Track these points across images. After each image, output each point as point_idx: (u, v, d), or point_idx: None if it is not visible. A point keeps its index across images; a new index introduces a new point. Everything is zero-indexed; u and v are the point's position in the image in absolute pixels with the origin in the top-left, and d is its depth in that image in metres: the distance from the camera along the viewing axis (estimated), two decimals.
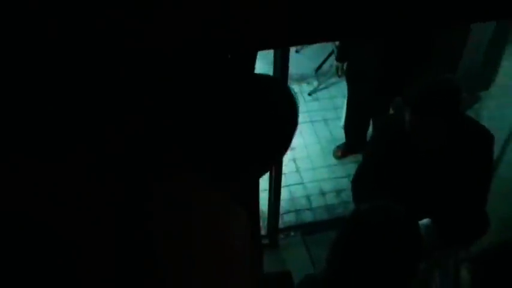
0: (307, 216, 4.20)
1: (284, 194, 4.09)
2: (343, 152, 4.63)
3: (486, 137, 2.54)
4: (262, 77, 1.50)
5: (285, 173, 4.19)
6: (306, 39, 1.41)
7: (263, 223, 3.75)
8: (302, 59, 5.45)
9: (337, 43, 5.03)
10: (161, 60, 1.25)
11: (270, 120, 1.41)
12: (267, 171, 1.64)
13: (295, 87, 5.13)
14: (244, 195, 1.93)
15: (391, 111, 3.78)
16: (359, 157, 4.60)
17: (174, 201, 1.33)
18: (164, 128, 1.35)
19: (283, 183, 3.70)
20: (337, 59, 4.14)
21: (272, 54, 2.68)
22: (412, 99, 2.38)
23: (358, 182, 2.88)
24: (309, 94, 5.21)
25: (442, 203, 2.53)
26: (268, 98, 1.41)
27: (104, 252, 1.28)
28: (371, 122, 4.29)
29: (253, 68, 1.63)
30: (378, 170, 2.68)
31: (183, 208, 1.34)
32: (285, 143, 1.51)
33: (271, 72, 2.70)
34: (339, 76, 4.21)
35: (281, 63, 2.60)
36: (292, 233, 4.05)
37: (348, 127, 4.51)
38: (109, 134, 1.27)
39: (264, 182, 3.40)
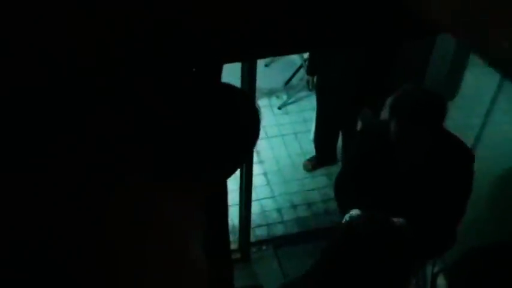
0: (279, 230, 4.20)
1: (255, 207, 4.09)
2: (313, 164, 4.66)
3: (467, 156, 2.55)
4: (221, 84, 1.51)
5: (255, 187, 4.19)
6: (271, 51, 1.42)
7: (234, 237, 3.74)
8: (271, 73, 5.48)
9: (305, 57, 5.09)
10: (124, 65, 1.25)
11: (228, 125, 1.41)
12: (226, 177, 1.64)
13: (264, 101, 5.20)
14: (212, 210, 1.94)
15: (359, 123, 3.82)
16: (329, 169, 4.65)
17: (131, 211, 1.32)
18: (122, 133, 1.34)
19: (254, 197, 3.70)
20: (307, 73, 4.20)
21: (240, 68, 2.69)
22: (400, 109, 2.40)
23: (339, 188, 2.88)
24: (279, 108, 5.24)
25: (418, 213, 2.54)
26: (226, 104, 1.41)
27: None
28: (340, 135, 4.34)
29: (220, 80, 1.63)
30: (358, 177, 2.70)
31: (140, 217, 1.33)
32: (245, 149, 1.51)
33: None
34: (310, 90, 4.26)
35: (248, 77, 2.61)
36: (264, 247, 4.05)
37: (317, 140, 4.55)
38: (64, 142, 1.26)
39: (234, 196, 3.40)
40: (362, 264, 1.97)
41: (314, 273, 2.23)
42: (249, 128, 1.46)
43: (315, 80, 4.09)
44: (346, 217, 2.56)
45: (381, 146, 2.58)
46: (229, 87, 1.47)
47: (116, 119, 1.32)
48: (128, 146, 1.35)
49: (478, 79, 3.89)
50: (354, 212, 2.55)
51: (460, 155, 2.55)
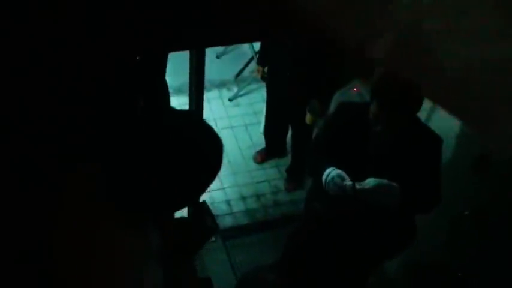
0: (228, 221, 4.21)
1: (204, 199, 4.07)
2: (263, 156, 4.68)
3: (436, 139, 2.66)
4: (184, 114, 1.47)
5: None
6: (217, 41, 1.41)
7: None
8: (222, 65, 5.47)
9: (257, 49, 5.10)
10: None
11: (192, 160, 1.38)
12: (183, 208, 1.61)
13: (215, 93, 5.17)
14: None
15: (308, 114, 3.84)
16: (279, 162, 4.67)
17: (77, 233, 1.30)
18: (76, 151, 1.32)
19: None
20: (258, 63, 4.21)
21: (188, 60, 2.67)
22: (381, 94, 2.47)
23: (313, 154, 2.94)
24: (229, 100, 5.23)
25: None
26: (186, 140, 1.38)
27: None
28: (290, 127, 4.36)
29: (164, 72, 1.61)
30: (331, 146, 2.78)
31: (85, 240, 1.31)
32: (205, 182, 1.48)
33: (187, 78, 2.68)
34: (263, 80, 4.27)
35: (196, 68, 2.59)
36: (212, 238, 4.03)
37: (267, 132, 4.56)
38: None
39: None
40: (325, 250, 2.02)
41: (280, 262, 2.30)
42: (212, 157, 1.42)
43: (265, 70, 4.11)
44: (326, 173, 2.65)
45: (356, 122, 2.66)
46: (187, 117, 1.43)
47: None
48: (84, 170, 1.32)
49: None
50: (330, 169, 2.65)
51: (430, 138, 2.66)
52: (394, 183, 2.56)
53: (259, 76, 4.25)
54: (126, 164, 1.32)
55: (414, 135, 2.62)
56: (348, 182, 2.59)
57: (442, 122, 3.57)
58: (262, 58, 4.19)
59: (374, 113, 2.50)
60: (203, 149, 1.40)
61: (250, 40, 3.87)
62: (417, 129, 2.64)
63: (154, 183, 1.33)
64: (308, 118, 3.87)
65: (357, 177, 2.61)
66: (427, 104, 3.77)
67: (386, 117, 2.49)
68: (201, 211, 1.94)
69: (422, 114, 3.66)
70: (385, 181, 2.57)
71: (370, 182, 2.55)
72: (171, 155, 1.33)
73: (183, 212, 2.30)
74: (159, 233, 1.59)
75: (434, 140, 2.66)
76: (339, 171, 2.64)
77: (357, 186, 2.56)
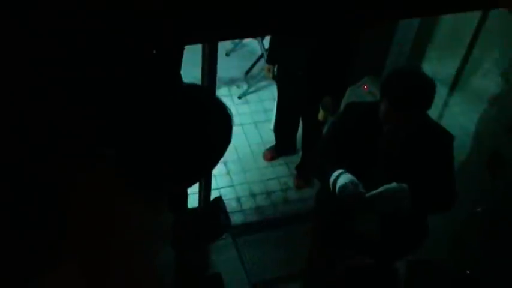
0: (238, 218, 4.20)
1: (215, 196, 4.07)
2: (272, 154, 4.67)
3: (447, 136, 2.62)
4: (196, 88, 1.46)
5: (215, 176, 4.18)
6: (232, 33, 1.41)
7: None
8: (232, 63, 5.46)
9: (266, 46, 5.09)
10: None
11: (201, 135, 1.38)
12: (195, 183, 1.61)
13: (224, 91, 5.18)
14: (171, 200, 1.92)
15: (321, 111, 3.83)
16: (289, 159, 4.67)
17: (91, 208, 1.31)
18: (87, 133, 1.32)
19: (213, 185, 3.69)
20: (268, 62, 4.19)
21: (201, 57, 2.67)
22: (391, 92, 2.40)
23: (318, 156, 2.90)
24: (239, 97, 5.23)
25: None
26: (200, 111, 1.37)
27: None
28: (301, 125, 4.35)
29: (180, 66, 1.61)
30: (339, 148, 2.72)
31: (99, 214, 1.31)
32: (215, 157, 1.47)
33: (199, 75, 2.68)
34: (272, 79, 4.25)
35: (209, 66, 2.58)
36: (223, 235, 4.03)
37: (277, 129, 4.56)
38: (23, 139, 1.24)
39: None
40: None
41: None
42: (221, 133, 1.42)
43: (275, 69, 4.09)
44: (333, 175, 2.57)
45: (366, 121, 2.61)
46: (199, 90, 1.43)
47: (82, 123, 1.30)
48: (92, 152, 1.33)
49: (435, 71, 3.96)
50: (338, 171, 2.57)
51: (442, 135, 2.62)
52: (404, 185, 2.51)
53: (269, 75, 4.21)
54: (139, 135, 1.32)
55: (425, 132, 2.58)
56: (362, 190, 2.51)
57: (454, 119, 3.56)
58: (271, 56, 4.15)
59: (384, 111, 2.46)
60: (213, 122, 1.40)
61: (265, 34, 3.83)
62: (428, 126, 2.60)
63: (165, 153, 1.33)
64: (321, 114, 3.86)
65: (367, 178, 2.57)
66: (438, 101, 3.78)
67: (396, 115, 2.44)
68: (216, 207, 1.94)
69: (434, 112, 3.67)
70: (392, 185, 2.51)
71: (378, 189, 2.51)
72: (182, 126, 1.34)
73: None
74: (172, 215, 1.60)
75: (445, 137, 2.62)
76: (350, 176, 2.54)
77: (366, 194, 2.50)
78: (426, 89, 2.40)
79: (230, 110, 1.42)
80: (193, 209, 1.97)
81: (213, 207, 1.95)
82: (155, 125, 1.32)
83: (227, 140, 1.44)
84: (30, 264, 1.32)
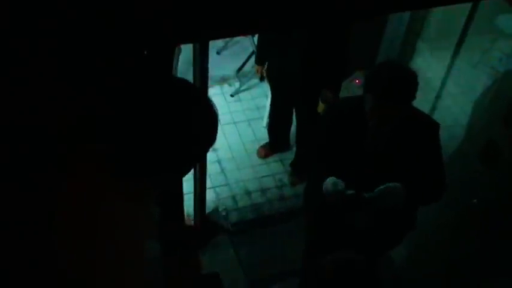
0: (234, 216, 4.20)
1: (210, 195, 4.07)
2: (266, 151, 4.67)
3: (432, 124, 2.64)
4: (181, 80, 1.48)
5: (210, 175, 4.17)
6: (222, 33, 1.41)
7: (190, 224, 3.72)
8: (223, 61, 5.45)
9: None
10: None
11: (186, 126, 1.39)
12: (181, 177, 1.61)
13: (216, 89, 5.16)
14: (166, 197, 1.91)
15: (320, 103, 3.82)
16: (283, 156, 4.67)
17: (80, 200, 1.31)
18: (74, 124, 1.31)
19: (208, 184, 3.69)
20: (256, 62, 4.17)
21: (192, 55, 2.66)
22: (376, 85, 2.44)
23: (312, 159, 2.95)
24: (231, 95, 5.21)
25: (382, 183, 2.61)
26: (186, 103, 1.39)
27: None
28: (294, 121, 4.35)
29: (171, 66, 1.61)
30: (329, 149, 2.74)
31: (88, 207, 1.32)
32: (202, 147, 1.49)
33: (191, 73, 2.68)
34: (261, 80, 4.23)
35: (200, 65, 2.58)
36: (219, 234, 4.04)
37: (271, 127, 4.55)
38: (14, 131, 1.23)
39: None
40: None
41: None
42: (206, 128, 1.43)
43: (264, 68, 4.07)
44: (325, 185, 2.64)
45: (351, 118, 2.63)
46: (186, 84, 1.44)
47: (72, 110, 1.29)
48: (80, 140, 1.32)
49: (427, 64, 3.97)
50: (330, 180, 2.62)
51: (426, 124, 2.65)
52: (397, 184, 2.55)
53: (258, 74, 4.18)
54: (129, 123, 1.33)
55: (410, 124, 2.59)
56: (350, 191, 2.58)
57: (447, 111, 3.57)
58: (260, 56, 4.11)
59: (369, 106, 2.48)
60: (198, 114, 1.42)
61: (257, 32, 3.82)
62: (412, 118, 2.61)
63: (149, 139, 1.34)
64: (320, 107, 3.84)
65: (357, 175, 2.60)
66: (431, 93, 3.79)
67: (380, 110, 2.46)
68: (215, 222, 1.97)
69: (426, 105, 3.68)
70: (389, 185, 2.56)
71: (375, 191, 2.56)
72: (169, 114, 1.35)
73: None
74: (159, 211, 1.60)
75: (430, 125, 2.64)
76: (334, 179, 2.62)
77: (366, 195, 2.57)
78: (408, 79, 2.41)
79: (216, 106, 1.46)
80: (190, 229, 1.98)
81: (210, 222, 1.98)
82: (141, 111, 1.33)
83: (212, 133, 1.47)
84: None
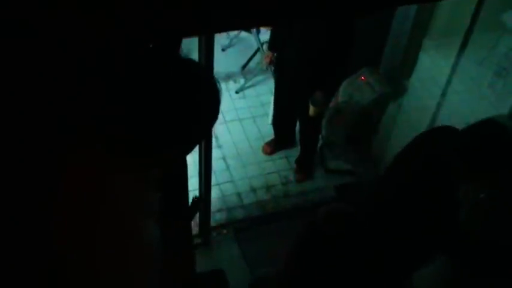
0: (239, 213, 4.21)
1: (215, 192, 4.08)
2: (272, 148, 4.67)
3: None
4: (186, 59, 1.48)
5: (215, 172, 4.17)
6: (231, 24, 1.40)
7: (194, 222, 3.72)
8: (228, 57, 5.45)
9: (262, 40, 5.08)
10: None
11: (187, 100, 1.40)
12: (184, 155, 1.64)
13: (221, 86, 5.15)
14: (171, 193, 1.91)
15: (311, 107, 3.82)
16: (288, 152, 4.66)
17: (83, 186, 1.31)
18: (77, 107, 1.32)
19: (213, 181, 3.69)
20: (269, 48, 4.16)
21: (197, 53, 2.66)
22: (469, 154, 2.12)
23: None
24: (236, 92, 5.22)
25: None
26: (189, 80, 1.40)
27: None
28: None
29: (179, 46, 1.60)
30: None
31: (92, 194, 1.32)
32: (205, 126, 1.51)
33: None
34: (266, 68, 4.22)
35: (205, 61, 2.58)
36: (224, 231, 4.04)
37: (276, 123, 4.55)
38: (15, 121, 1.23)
39: (194, 181, 3.38)
40: (326, 262, 1.99)
41: (282, 273, 2.26)
42: (208, 104, 1.44)
43: (274, 56, 4.07)
44: None
45: (439, 178, 2.24)
46: (188, 61, 1.45)
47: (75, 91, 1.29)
48: (82, 120, 1.33)
49: (433, 61, 3.95)
50: None
51: None
52: None
53: (267, 61, 4.18)
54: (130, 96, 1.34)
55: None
56: None
57: (453, 108, 3.54)
58: (272, 43, 4.11)
59: (458, 170, 2.10)
60: (202, 91, 1.43)
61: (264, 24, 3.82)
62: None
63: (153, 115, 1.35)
64: (312, 110, 3.84)
65: None
66: (437, 91, 3.78)
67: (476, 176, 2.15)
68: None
69: (432, 102, 3.67)
70: None
71: None
72: (172, 90, 1.36)
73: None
74: (159, 195, 1.61)
75: None
76: None
77: None
78: (503, 144, 2.09)
79: (220, 84, 1.47)
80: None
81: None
82: (147, 87, 1.34)
83: (214, 112, 1.48)
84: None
